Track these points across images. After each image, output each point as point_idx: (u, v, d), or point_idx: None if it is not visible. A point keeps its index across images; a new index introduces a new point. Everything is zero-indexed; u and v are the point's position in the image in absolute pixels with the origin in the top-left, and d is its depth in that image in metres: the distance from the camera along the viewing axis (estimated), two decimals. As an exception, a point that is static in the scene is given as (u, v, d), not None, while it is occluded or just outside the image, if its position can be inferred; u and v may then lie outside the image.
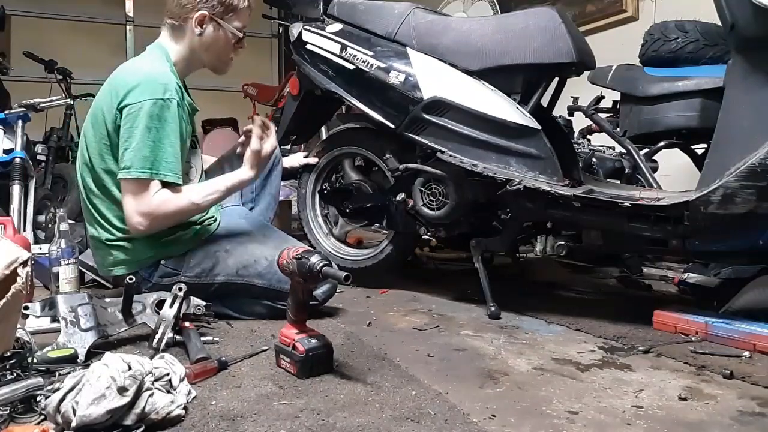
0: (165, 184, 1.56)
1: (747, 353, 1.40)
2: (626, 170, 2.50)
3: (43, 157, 3.67)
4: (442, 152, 1.82)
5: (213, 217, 1.76)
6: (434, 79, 1.85)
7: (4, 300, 1.06)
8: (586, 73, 2.10)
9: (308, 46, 2.09)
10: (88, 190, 1.66)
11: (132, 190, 1.54)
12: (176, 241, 1.65)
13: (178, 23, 1.69)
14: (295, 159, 2.27)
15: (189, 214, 1.64)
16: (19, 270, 1.10)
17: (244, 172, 1.66)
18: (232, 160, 1.96)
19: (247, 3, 1.74)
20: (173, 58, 1.70)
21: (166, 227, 1.62)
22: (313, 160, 2.25)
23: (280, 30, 5.52)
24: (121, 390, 0.95)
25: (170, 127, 1.55)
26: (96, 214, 1.66)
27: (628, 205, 1.57)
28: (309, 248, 1.29)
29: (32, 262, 1.33)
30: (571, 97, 2.75)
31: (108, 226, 1.64)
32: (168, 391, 1.04)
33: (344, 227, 2.33)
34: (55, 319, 1.45)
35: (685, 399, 1.16)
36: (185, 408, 1.04)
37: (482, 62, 1.82)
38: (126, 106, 1.54)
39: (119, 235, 1.63)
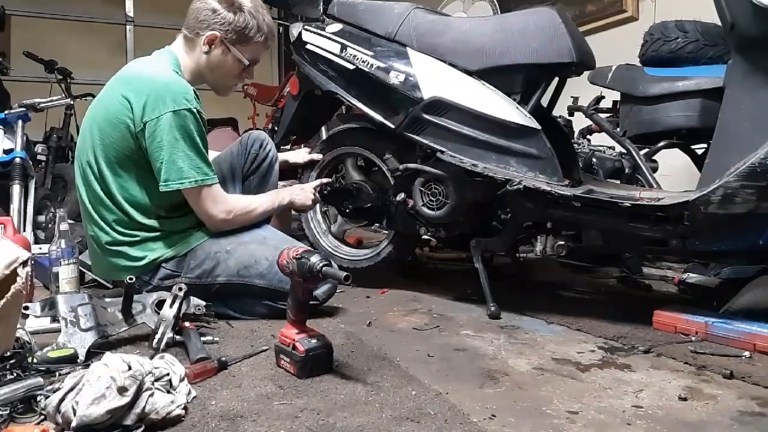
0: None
1: (747, 353, 1.40)
2: (626, 170, 2.50)
3: (43, 157, 3.68)
4: (442, 152, 1.82)
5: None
6: (434, 79, 1.85)
7: (4, 300, 1.06)
8: (586, 73, 2.10)
9: (308, 46, 2.09)
10: (91, 195, 1.65)
11: (202, 197, 1.62)
12: (176, 243, 1.66)
13: (191, 35, 1.70)
14: (300, 155, 2.26)
15: (256, 217, 1.75)
16: (19, 270, 1.10)
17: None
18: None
19: (263, 38, 1.75)
20: (182, 67, 1.71)
21: (242, 225, 1.71)
22: (317, 156, 2.24)
23: (280, 30, 5.51)
24: (121, 390, 0.95)
25: (196, 134, 1.59)
26: (97, 217, 1.65)
27: (628, 205, 1.57)
28: (309, 248, 1.29)
29: (32, 262, 1.33)
30: (571, 97, 2.75)
31: (108, 229, 1.64)
32: (168, 391, 1.04)
33: (342, 225, 2.33)
34: (55, 319, 1.45)
35: (685, 399, 1.16)
36: (185, 408, 1.04)
37: (482, 62, 1.82)
38: (149, 120, 1.55)
39: (120, 238, 1.63)
